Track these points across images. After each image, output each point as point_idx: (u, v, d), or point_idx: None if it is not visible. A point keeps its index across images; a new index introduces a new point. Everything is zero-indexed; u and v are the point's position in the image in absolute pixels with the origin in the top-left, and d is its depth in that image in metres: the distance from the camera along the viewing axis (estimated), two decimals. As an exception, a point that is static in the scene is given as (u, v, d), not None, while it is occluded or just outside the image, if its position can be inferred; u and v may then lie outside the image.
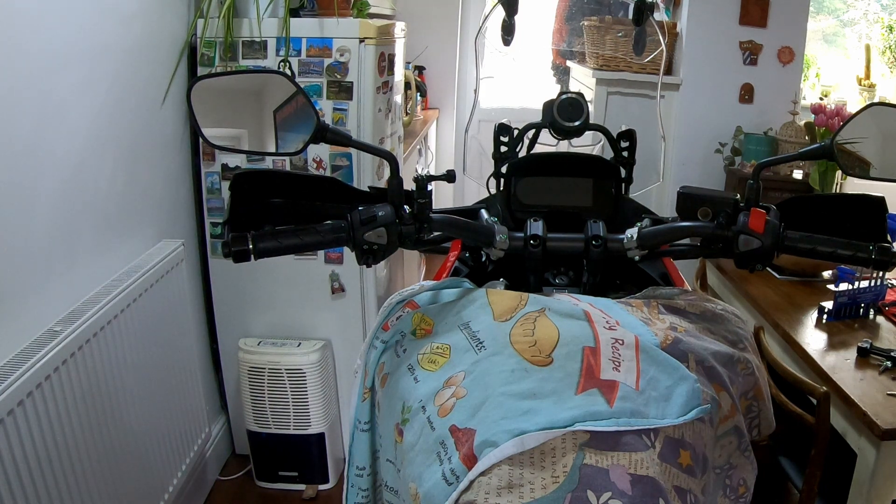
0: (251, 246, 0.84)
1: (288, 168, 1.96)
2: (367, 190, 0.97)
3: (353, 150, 1.97)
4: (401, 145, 2.54)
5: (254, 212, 0.89)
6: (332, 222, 0.88)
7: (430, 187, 0.92)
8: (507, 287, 1.02)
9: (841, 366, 1.63)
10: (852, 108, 3.00)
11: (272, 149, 0.94)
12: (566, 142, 1.26)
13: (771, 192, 2.76)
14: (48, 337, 1.29)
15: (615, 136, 1.26)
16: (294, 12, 1.92)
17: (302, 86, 0.90)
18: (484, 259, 1.14)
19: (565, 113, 1.17)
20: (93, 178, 1.53)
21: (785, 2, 2.95)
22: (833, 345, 1.75)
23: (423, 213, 0.91)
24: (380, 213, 0.87)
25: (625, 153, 1.24)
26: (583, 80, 3.33)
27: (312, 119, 0.87)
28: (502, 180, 1.21)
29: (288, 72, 1.86)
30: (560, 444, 0.72)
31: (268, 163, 1.93)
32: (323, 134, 0.87)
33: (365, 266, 0.91)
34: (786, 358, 1.79)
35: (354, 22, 1.90)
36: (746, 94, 3.02)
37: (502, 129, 1.21)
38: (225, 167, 2.00)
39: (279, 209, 0.92)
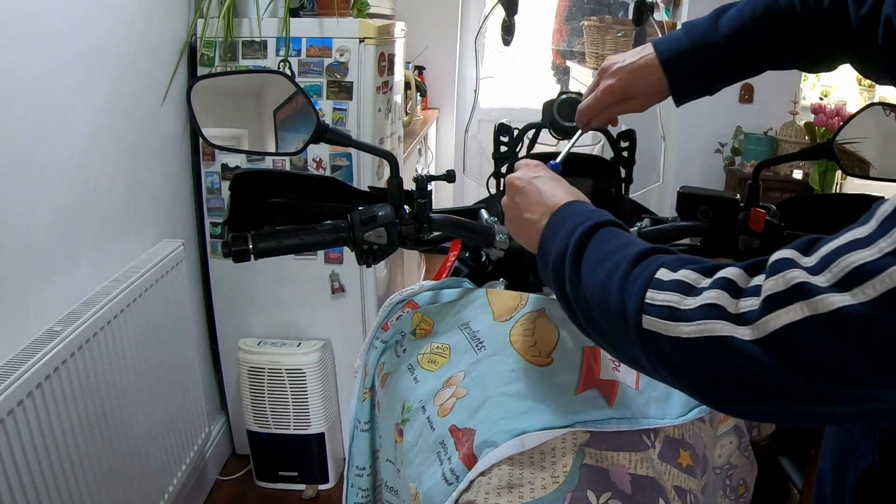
0: (251, 246, 0.84)
1: (288, 168, 1.96)
2: (367, 190, 0.97)
3: (353, 150, 1.97)
4: (401, 145, 2.54)
5: (254, 212, 0.89)
6: (332, 222, 0.88)
7: (429, 187, 0.92)
8: (507, 287, 1.02)
9: (841, 366, 1.62)
10: (852, 108, 3.00)
11: (272, 149, 0.94)
12: (566, 142, 1.26)
13: (771, 192, 2.76)
14: (48, 337, 1.29)
15: (615, 136, 1.26)
16: (294, 12, 1.91)
17: (302, 86, 0.90)
18: (484, 259, 1.14)
19: (565, 113, 1.16)
20: (93, 177, 1.53)
21: (785, 2, 2.94)
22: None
23: (423, 213, 0.91)
24: (380, 213, 0.87)
25: (625, 153, 1.24)
26: (583, 80, 3.32)
27: (312, 119, 0.87)
28: (502, 180, 1.21)
29: (288, 72, 1.86)
30: (560, 444, 0.72)
31: (268, 163, 1.93)
32: (323, 134, 0.87)
33: (365, 266, 0.91)
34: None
35: (354, 22, 1.90)
36: (746, 94, 3.02)
37: (502, 129, 1.21)
38: (225, 167, 2.00)
39: (279, 209, 0.92)
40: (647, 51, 0.86)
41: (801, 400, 0.48)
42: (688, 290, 0.52)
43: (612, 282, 0.56)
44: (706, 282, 0.52)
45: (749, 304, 0.48)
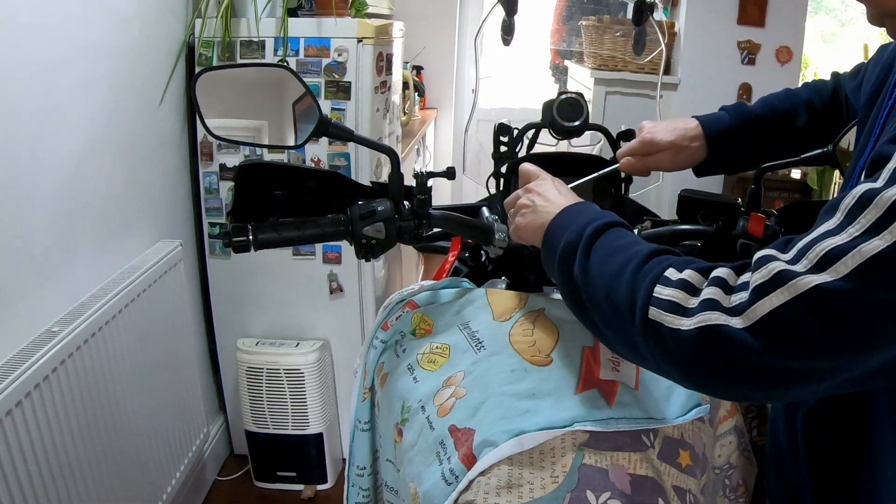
0: (251, 237, 0.84)
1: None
2: (370, 185, 0.97)
3: (351, 150, 1.97)
4: (399, 145, 2.54)
5: (257, 203, 0.89)
6: (332, 216, 0.88)
7: (429, 184, 0.93)
8: (507, 287, 1.02)
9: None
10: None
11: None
12: (566, 142, 1.26)
13: (770, 191, 2.76)
14: (47, 337, 1.28)
15: (615, 136, 1.26)
16: (292, 12, 1.91)
17: (301, 85, 0.90)
18: (483, 259, 1.14)
19: (565, 113, 1.16)
20: (91, 178, 1.53)
21: (783, 1, 2.95)
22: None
23: (423, 208, 0.91)
24: (379, 209, 0.87)
25: (624, 153, 1.24)
26: (581, 79, 3.33)
27: (315, 114, 0.87)
28: (502, 180, 1.21)
29: (286, 71, 1.85)
30: (559, 444, 0.72)
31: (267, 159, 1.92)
32: (325, 128, 0.87)
33: (364, 260, 0.92)
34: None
35: (352, 22, 1.90)
36: (744, 93, 3.02)
37: (502, 129, 1.21)
38: (223, 167, 1.99)
39: (282, 202, 0.92)
40: (691, 122, 1.04)
41: (788, 380, 0.53)
42: (692, 290, 0.58)
43: (625, 273, 0.63)
44: (705, 283, 0.58)
45: (739, 297, 0.54)
